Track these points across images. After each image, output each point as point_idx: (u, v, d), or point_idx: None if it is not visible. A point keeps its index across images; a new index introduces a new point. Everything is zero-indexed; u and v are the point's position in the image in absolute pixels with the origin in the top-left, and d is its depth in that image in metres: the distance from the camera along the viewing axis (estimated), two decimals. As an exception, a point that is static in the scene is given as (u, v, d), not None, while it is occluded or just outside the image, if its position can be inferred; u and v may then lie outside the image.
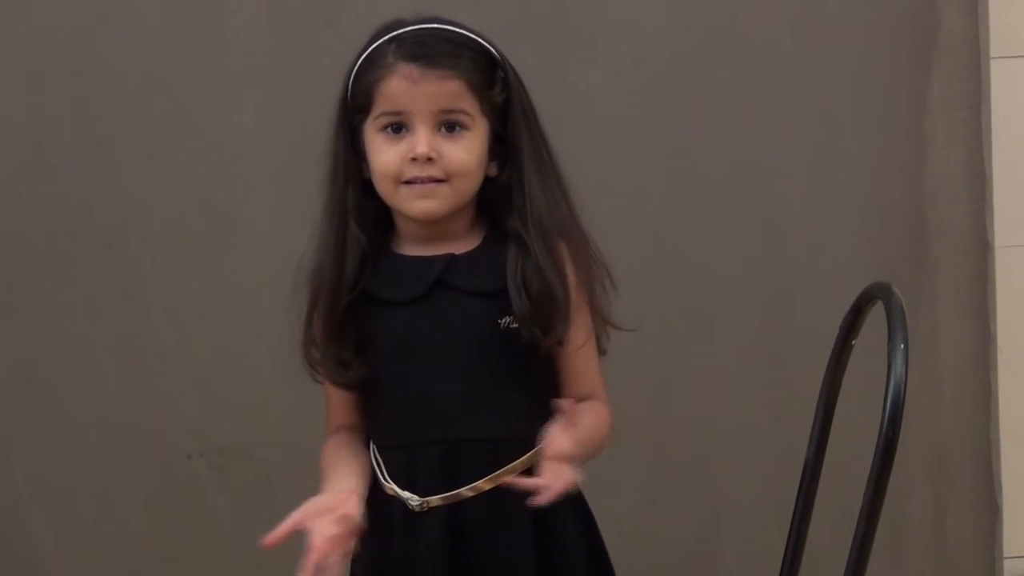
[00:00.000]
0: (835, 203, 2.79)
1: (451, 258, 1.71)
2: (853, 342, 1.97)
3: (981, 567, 2.93)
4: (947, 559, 2.92)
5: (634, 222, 2.73)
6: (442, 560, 1.70)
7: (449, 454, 1.71)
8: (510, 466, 1.71)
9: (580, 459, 1.65)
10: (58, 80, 2.65)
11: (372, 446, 1.79)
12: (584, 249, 1.75)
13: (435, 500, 1.70)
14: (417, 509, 1.71)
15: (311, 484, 2.70)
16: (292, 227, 2.65)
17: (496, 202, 1.75)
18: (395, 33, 1.69)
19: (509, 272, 1.69)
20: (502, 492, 1.69)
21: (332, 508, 1.64)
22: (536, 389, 1.76)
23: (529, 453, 1.71)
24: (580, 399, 1.76)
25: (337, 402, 1.82)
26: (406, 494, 1.72)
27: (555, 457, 1.60)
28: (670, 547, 2.79)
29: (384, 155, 1.67)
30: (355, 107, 1.71)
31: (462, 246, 1.73)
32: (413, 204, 1.67)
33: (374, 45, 1.70)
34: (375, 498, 1.75)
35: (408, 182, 1.67)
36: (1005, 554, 2.91)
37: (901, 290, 1.82)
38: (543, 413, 1.69)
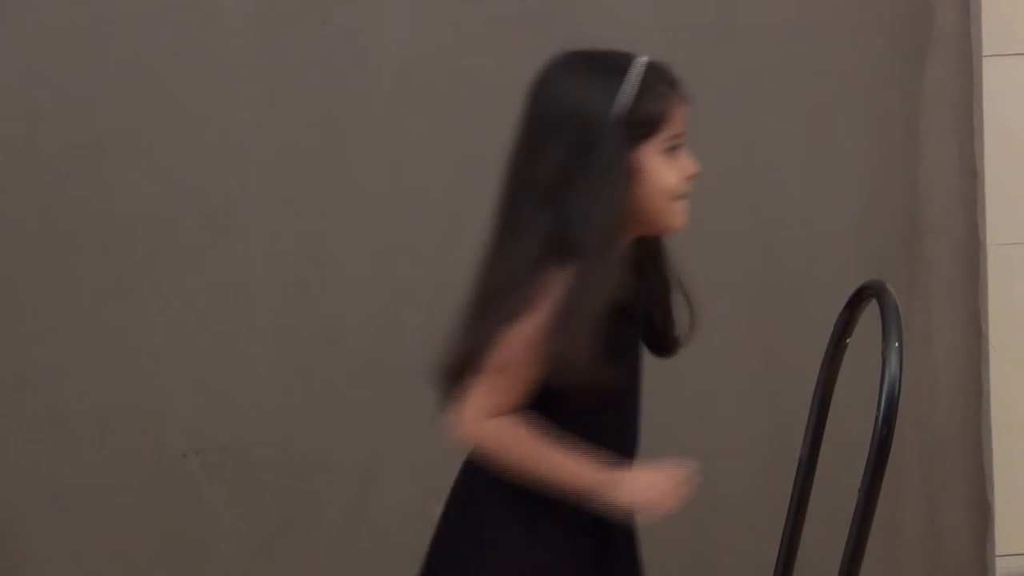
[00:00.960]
0: (829, 201, 2.80)
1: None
2: (847, 340, 1.98)
3: (974, 565, 2.93)
4: (940, 557, 2.93)
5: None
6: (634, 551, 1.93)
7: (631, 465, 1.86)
8: None
9: None
10: (53, 78, 2.65)
11: None
12: None
13: None
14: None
15: (305, 481, 2.71)
16: (287, 225, 2.67)
17: None
18: (654, 63, 1.82)
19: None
20: None
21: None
22: None
23: None
24: None
25: (522, 391, 1.81)
26: None
27: None
28: (664, 544, 2.78)
29: (670, 174, 1.80)
30: (638, 132, 1.78)
31: None
32: (681, 219, 1.85)
33: (646, 77, 1.80)
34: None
35: (680, 197, 1.82)
36: (997, 552, 2.92)
37: (894, 288, 1.83)
38: None
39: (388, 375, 2.70)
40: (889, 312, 1.77)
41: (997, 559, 2.92)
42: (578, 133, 1.77)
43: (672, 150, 1.79)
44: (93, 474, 2.72)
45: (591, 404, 1.78)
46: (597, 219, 1.76)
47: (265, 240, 2.65)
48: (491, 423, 1.81)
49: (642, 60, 1.80)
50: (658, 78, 1.81)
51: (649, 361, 2.73)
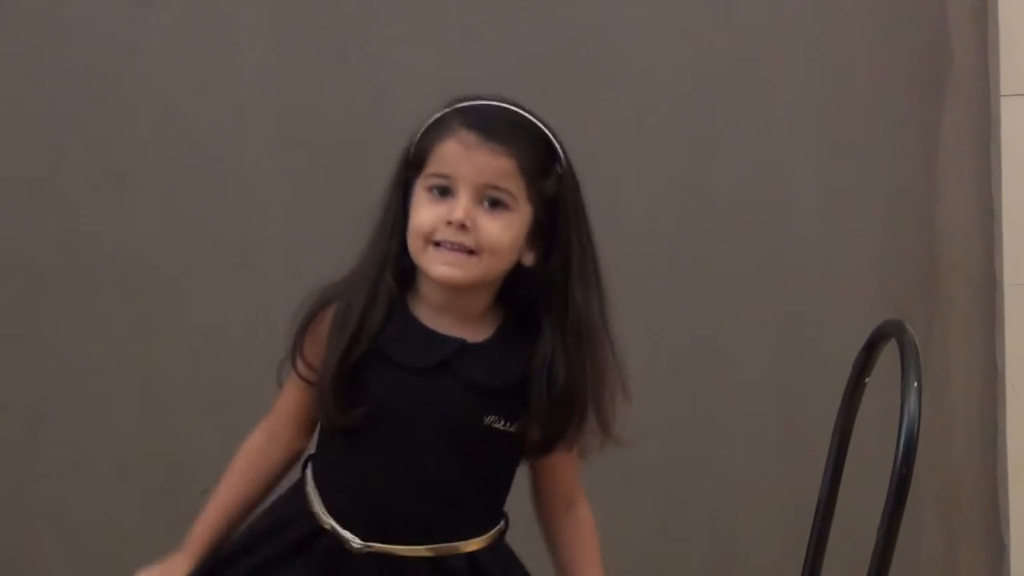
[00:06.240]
0: (847, 239, 2.80)
1: (463, 344, 1.72)
2: (867, 380, 1.97)
3: (990, 604, 2.93)
4: (957, 596, 2.92)
5: (648, 258, 2.74)
6: None
7: (395, 518, 1.72)
8: (452, 544, 1.73)
9: None
10: (73, 113, 2.67)
11: (309, 474, 1.80)
12: (606, 357, 1.75)
13: (376, 546, 1.71)
14: (355, 551, 1.71)
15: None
16: (304, 261, 2.68)
17: (529, 291, 1.75)
18: (465, 104, 1.72)
19: (536, 366, 1.71)
20: (440, 565, 1.72)
21: None
22: (496, 488, 1.80)
23: (479, 537, 1.75)
24: (564, 502, 1.83)
25: (288, 412, 1.84)
26: (347, 534, 1.72)
27: None
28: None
29: (423, 213, 1.69)
30: (412, 164, 1.73)
31: (476, 331, 1.74)
32: (437, 267, 1.68)
33: (444, 111, 1.72)
34: (301, 520, 1.77)
35: (438, 244, 1.68)
36: (1013, 591, 2.91)
37: (912, 326, 1.82)
38: (496, 510, 1.79)
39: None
40: (908, 352, 1.76)
41: (1014, 598, 2.92)
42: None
43: (439, 191, 1.68)
44: (112, 510, 2.72)
45: (331, 434, 1.77)
46: (365, 251, 1.75)
47: (285, 276, 2.65)
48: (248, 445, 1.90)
49: (464, 104, 1.72)
50: (446, 118, 1.71)
51: (666, 397, 2.76)
